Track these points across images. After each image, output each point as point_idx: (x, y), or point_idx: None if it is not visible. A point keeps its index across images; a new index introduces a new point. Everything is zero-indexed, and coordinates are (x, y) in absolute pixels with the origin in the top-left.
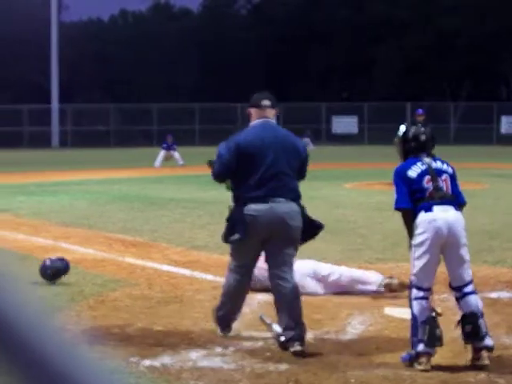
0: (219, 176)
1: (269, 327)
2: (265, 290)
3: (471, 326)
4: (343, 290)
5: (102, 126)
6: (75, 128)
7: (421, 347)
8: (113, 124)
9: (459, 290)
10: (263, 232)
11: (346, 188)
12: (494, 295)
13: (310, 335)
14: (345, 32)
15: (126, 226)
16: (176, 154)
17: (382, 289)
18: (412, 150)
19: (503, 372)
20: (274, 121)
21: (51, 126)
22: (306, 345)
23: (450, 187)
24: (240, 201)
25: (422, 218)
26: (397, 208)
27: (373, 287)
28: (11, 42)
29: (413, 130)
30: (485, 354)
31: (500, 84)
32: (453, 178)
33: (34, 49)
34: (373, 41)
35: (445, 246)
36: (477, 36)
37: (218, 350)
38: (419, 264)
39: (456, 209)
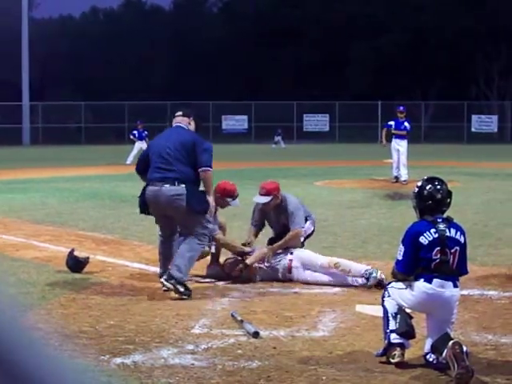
0: (136, 168)
1: (240, 324)
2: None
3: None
4: (336, 278)
5: (73, 123)
6: (46, 125)
7: (393, 337)
8: (84, 121)
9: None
10: (155, 208)
11: (316, 186)
12: (464, 292)
13: (281, 333)
14: (317, 30)
15: (97, 224)
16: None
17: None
18: (427, 208)
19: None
20: (184, 125)
21: (22, 123)
22: (170, 282)
23: (456, 260)
24: (147, 183)
25: (420, 285)
26: (398, 270)
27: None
28: None
29: (428, 187)
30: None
31: (470, 83)
32: (463, 248)
33: (4, 46)
34: (345, 39)
35: (431, 313)
36: (448, 35)
37: (190, 347)
38: (404, 298)
39: (454, 285)
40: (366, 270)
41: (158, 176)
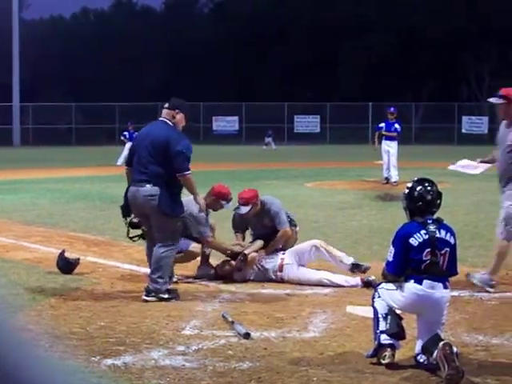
0: (126, 163)
1: (231, 325)
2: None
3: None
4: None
5: (63, 124)
6: (36, 126)
7: (383, 338)
8: (74, 122)
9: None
10: (134, 209)
11: (307, 187)
12: (454, 293)
13: (272, 334)
14: (308, 31)
15: (87, 225)
16: None
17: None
18: (418, 209)
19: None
20: (167, 120)
21: (12, 123)
22: (151, 296)
23: (446, 261)
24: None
25: (410, 286)
26: (388, 272)
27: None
28: None
29: (418, 188)
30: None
31: (461, 84)
32: (453, 249)
33: None
34: (336, 40)
35: (422, 314)
36: (439, 36)
37: (180, 348)
38: (394, 299)
39: (444, 286)
40: (355, 261)
41: (136, 177)
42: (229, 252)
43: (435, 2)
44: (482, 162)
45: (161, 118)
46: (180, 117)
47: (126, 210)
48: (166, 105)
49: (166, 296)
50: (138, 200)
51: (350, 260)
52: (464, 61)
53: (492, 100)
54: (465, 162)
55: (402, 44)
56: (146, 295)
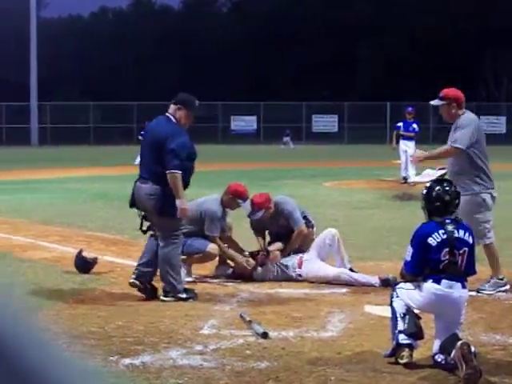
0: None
1: (249, 325)
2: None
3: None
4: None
5: (81, 123)
6: (54, 125)
7: (402, 337)
8: (92, 121)
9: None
10: (138, 204)
11: (326, 187)
12: (473, 293)
13: (289, 333)
14: (326, 31)
15: (105, 225)
16: None
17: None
18: (436, 210)
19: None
20: (170, 115)
21: (30, 123)
22: (170, 296)
23: (465, 261)
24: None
25: (428, 286)
26: (406, 271)
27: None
28: None
29: (437, 189)
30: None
31: (479, 84)
32: (471, 249)
33: (12, 45)
34: (355, 40)
35: (440, 314)
36: (458, 36)
37: (198, 348)
38: (413, 299)
39: (463, 286)
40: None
41: (140, 174)
42: (233, 257)
43: (455, 3)
44: (440, 169)
45: (167, 114)
46: (182, 113)
47: (133, 202)
48: (172, 100)
49: (184, 296)
50: (140, 197)
51: (348, 264)
52: (482, 61)
53: (433, 102)
54: (427, 172)
55: (420, 44)
56: (164, 295)
